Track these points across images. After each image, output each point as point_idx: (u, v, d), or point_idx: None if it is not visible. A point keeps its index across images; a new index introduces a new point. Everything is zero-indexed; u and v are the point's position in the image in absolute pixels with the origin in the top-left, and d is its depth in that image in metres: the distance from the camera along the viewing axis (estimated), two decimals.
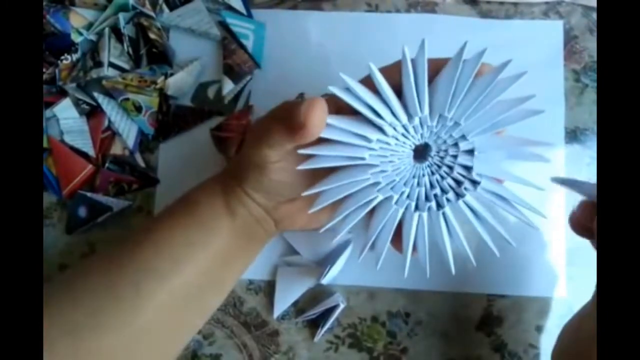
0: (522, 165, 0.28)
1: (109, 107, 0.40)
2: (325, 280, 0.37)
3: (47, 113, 0.39)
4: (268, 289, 0.39)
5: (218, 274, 0.33)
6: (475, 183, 0.28)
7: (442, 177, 0.28)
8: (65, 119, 0.39)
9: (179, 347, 0.33)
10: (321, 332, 0.38)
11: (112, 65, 0.39)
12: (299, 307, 0.39)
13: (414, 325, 0.39)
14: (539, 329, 0.38)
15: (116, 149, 0.40)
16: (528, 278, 0.39)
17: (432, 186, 0.29)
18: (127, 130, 0.40)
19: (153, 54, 0.40)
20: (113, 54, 0.39)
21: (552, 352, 0.32)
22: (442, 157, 0.28)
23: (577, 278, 0.38)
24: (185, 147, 0.40)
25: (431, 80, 0.27)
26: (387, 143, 0.27)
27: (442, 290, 0.39)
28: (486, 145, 0.27)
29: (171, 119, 0.40)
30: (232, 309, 0.39)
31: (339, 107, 0.27)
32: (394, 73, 0.27)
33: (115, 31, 0.40)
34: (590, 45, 0.41)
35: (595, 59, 0.40)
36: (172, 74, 0.39)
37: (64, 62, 0.39)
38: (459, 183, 0.28)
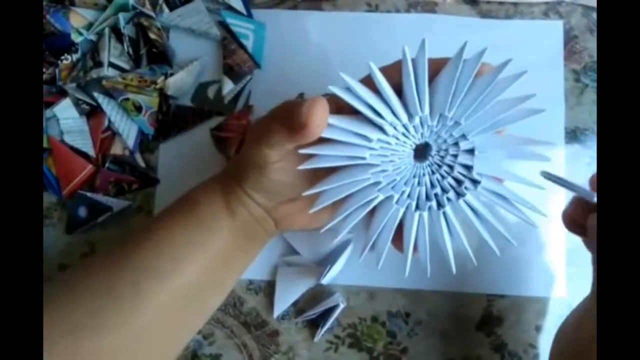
0: (523, 165, 0.28)
1: (109, 107, 0.40)
2: (325, 280, 0.37)
3: (47, 113, 0.39)
4: (268, 289, 0.39)
5: (218, 274, 0.33)
6: (475, 182, 0.28)
7: (443, 177, 0.28)
8: (65, 119, 0.39)
9: (179, 347, 0.33)
10: (321, 332, 0.38)
11: (112, 65, 0.39)
12: (299, 307, 0.39)
13: (414, 325, 0.39)
14: (539, 329, 0.38)
15: (116, 149, 0.40)
16: (528, 278, 0.39)
17: (432, 185, 0.29)
18: (127, 130, 0.40)
19: (153, 54, 0.40)
20: (113, 54, 0.39)
21: (550, 352, 0.32)
22: (442, 157, 0.28)
23: (577, 278, 0.38)
24: (185, 147, 0.40)
25: (431, 80, 0.27)
26: (388, 142, 0.27)
27: (442, 290, 0.39)
28: (486, 144, 0.27)
29: (171, 119, 0.40)
30: (232, 309, 0.39)
31: (339, 107, 0.27)
32: (394, 73, 0.27)
33: (115, 31, 0.40)
34: (590, 45, 0.41)
35: (595, 59, 0.41)
36: (172, 74, 0.39)
37: (64, 62, 0.39)
38: (459, 182, 0.28)
